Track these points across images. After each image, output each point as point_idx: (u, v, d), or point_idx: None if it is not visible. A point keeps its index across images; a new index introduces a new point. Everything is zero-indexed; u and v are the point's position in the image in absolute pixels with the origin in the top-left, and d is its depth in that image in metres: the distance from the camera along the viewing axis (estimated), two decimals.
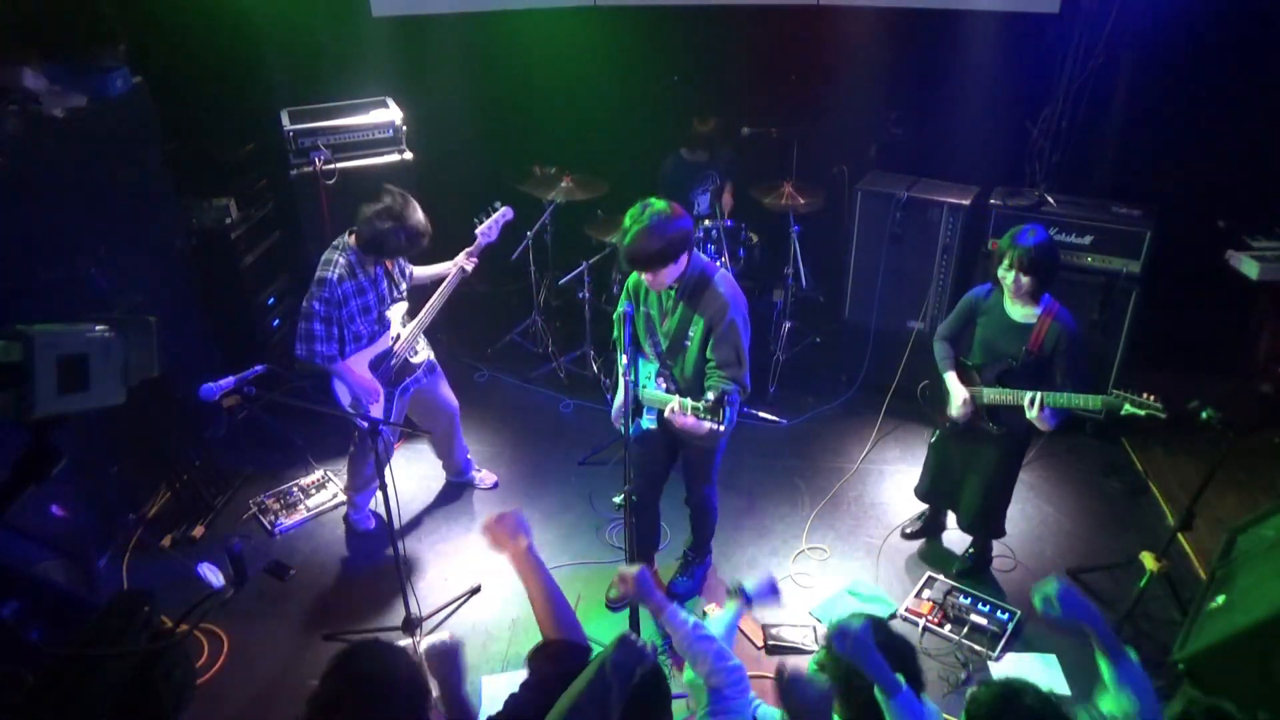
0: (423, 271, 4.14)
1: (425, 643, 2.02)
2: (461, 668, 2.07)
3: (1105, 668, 2.24)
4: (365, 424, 3.91)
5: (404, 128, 4.71)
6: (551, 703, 1.90)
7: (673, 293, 3.32)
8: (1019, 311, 3.50)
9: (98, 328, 1.38)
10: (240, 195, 5.06)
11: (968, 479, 3.85)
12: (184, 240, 4.77)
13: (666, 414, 3.18)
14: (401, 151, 4.72)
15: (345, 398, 3.91)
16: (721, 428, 3.06)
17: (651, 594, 2.33)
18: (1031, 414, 3.34)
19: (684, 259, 3.19)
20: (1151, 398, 3.22)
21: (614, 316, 3.55)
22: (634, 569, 2.35)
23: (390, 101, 4.91)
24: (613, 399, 3.74)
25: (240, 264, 5.03)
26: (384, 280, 3.90)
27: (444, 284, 4.00)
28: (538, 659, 2.07)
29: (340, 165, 4.56)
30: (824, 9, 5.62)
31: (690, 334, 3.30)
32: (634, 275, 3.51)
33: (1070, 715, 2.01)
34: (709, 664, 2.26)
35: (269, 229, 5.35)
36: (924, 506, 4.29)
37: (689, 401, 3.12)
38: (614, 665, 1.89)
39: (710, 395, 3.08)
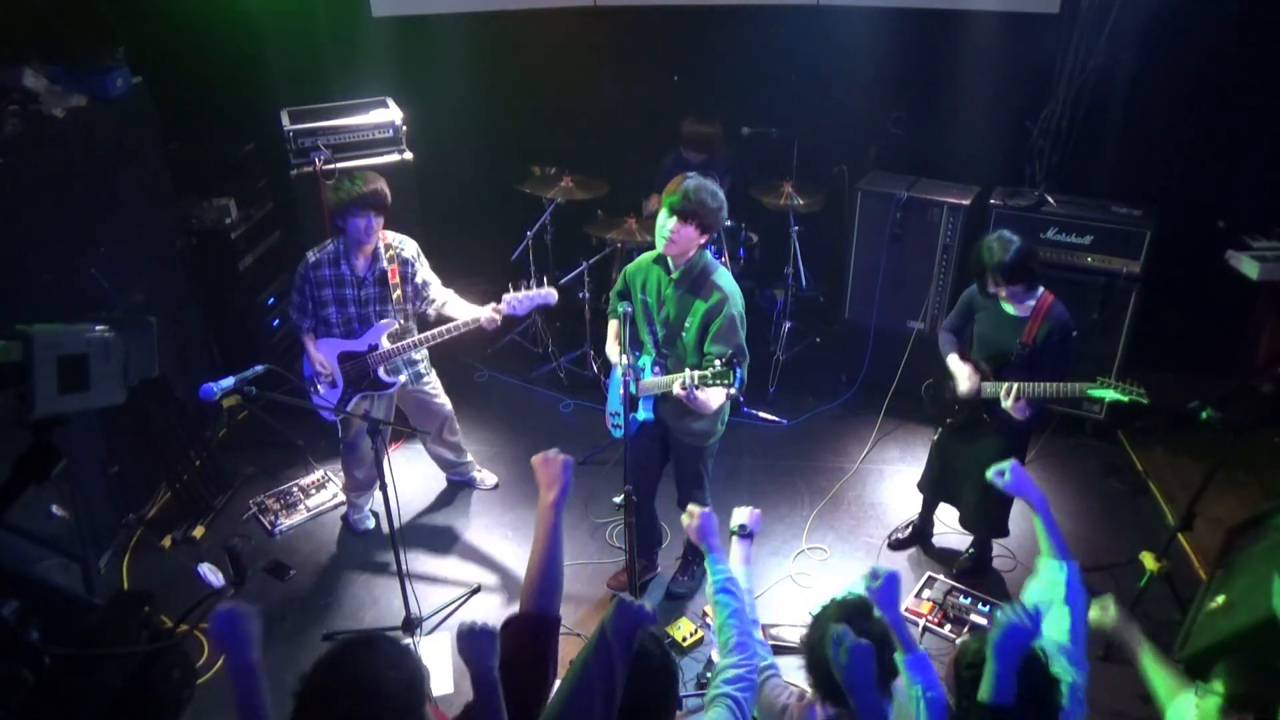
0: (455, 307, 3.97)
1: (460, 626, 2.00)
2: (496, 651, 2.05)
3: (1042, 559, 2.45)
4: (325, 418, 4.02)
5: (404, 128, 4.71)
6: (534, 675, 1.97)
7: (671, 280, 3.35)
8: (1015, 306, 3.54)
9: (98, 328, 1.38)
10: (240, 195, 5.06)
11: (969, 476, 3.86)
12: (184, 240, 4.78)
13: (676, 391, 3.20)
14: (401, 151, 4.72)
15: (309, 372, 4.01)
16: (732, 389, 3.12)
17: (709, 535, 2.52)
18: (1006, 403, 3.39)
19: (704, 238, 3.28)
20: (1134, 384, 3.25)
21: (618, 310, 3.55)
22: (703, 509, 2.56)
23: (390, 101, 4.91)
24: (608, 396, 3.75)
25: (240, 264, 5.04)
26: (375, 287, 3.88)
27: (449, 325, 3.85)
28: (506, 634, 2.06)
29: (340, 165, 4.55)
30: (824, 9, 5.62)
31: (687, 323, 3.34)
32: (635, 262, 3.56)
33: (1056, 676, 2.06)
34: (724, 617, 2.33)
35: (269, 229, 5.35)
36: (911, 516, 4.31)
37: (696, 373, 3.15)
38: (615, 631, 1.90)
39: (718, 361, 3.12)
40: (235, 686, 2.04)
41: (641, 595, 3.96)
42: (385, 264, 3.87)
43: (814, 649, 2.17)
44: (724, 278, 3.32)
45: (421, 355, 4.17)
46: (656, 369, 3.51)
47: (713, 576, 2.45)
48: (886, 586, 2.27)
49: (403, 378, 4.07)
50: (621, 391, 3.28)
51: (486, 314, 3.82)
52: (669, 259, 3.36)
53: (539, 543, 2.22)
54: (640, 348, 3.58)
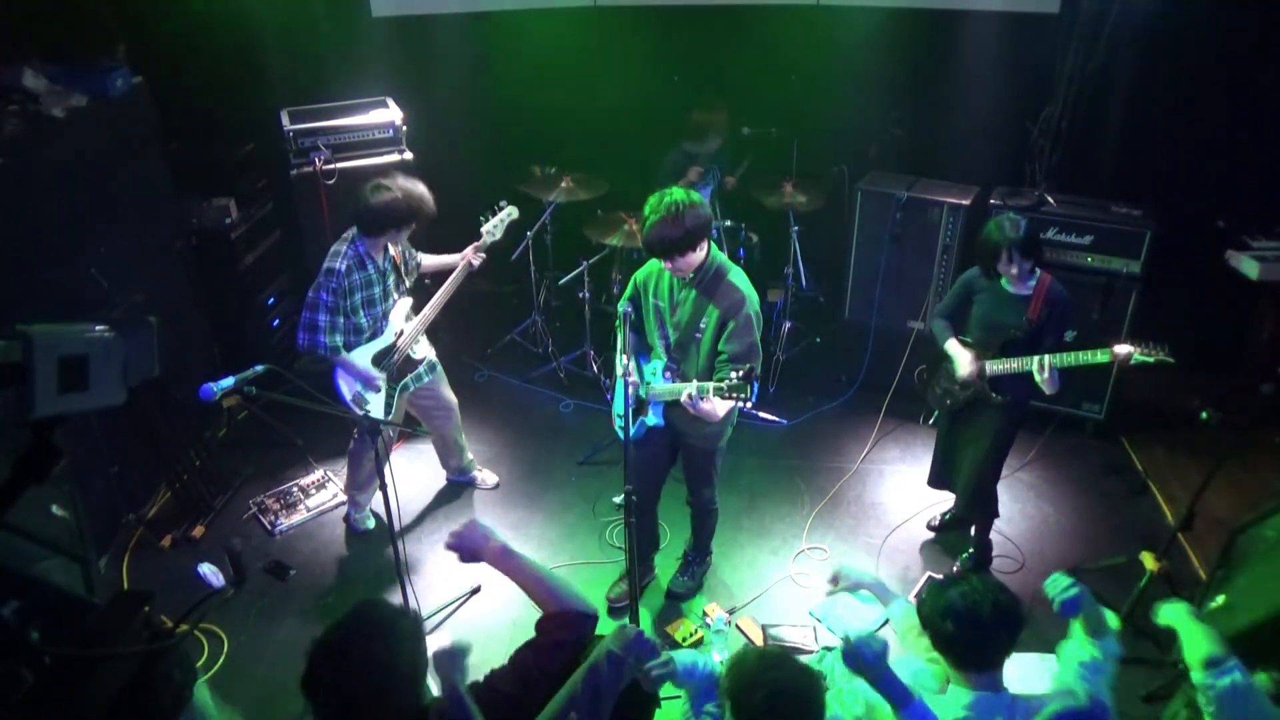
0: (431, 261, 4.14)
1: (434, 646, 2.03)
2: (465, 669, 2.06)
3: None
4: (366, 421, 3.96)
5: (404, 128, 4.71)
6: (563, 666, 1.99)
7: (685, 283, 3.31)
8: (1015, 285, 3.59)
9: (98, 328, 1.37)
10: (240, 195, 5.06)
11: (965, 455, 3.88)
12: (184, 240, 4.77)
13: (683, 400, 3.17)
14: (401, 151, 4.72)
15: (349, 391, 3.91)
16: (749, 404, 3.08)
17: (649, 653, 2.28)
18: (1041, 377, 3.40)
19: (704, 248, 3.21)
20: (1157, 345, 3.31)
21: (619, 311, 3.57)
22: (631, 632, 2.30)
23: (390, 101, 4.91)
24: (613, 398, 3.73)
25: (240, 264, 5.04)
26: (392, 274, 3.92)
27: (449, 280, 3.98)
28: (548, 626, 2.10)
29: (340, 165, 4.56)
30: (824, 9, 5.62)
31: (703, 325, 3.30)
32: (645, 267, 3.52)
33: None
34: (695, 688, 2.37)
35: (269, 229, 5.35)
36: (952, 500, 4.28)
37: (709, 384, 3.11)
38: (609, 658, 1.96)
39: (735, 374, 3.07)
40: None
41: (640, 600, 3.96)
42: (393, 250, 3.93)
43: (737, 698, 2.07)
44: (739, 277, 3.28)
45: (428, 348, 4.19)
46: (667, 374, 3.46)
47: (687, 684, 2.36)
48: (862, 655, 2.16)
49: (422, 351, 4.11)
50: (625, 392, 3.25)
51: (469, 255, 4.02)
52: None
53: (528, 581, 2.18)
54: (650, 352, 3.55)
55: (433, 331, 4.15)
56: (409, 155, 4.72)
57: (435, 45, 5.71)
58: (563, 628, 2.08)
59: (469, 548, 2.23)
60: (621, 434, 3.64)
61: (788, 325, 5.59)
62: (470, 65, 5.79)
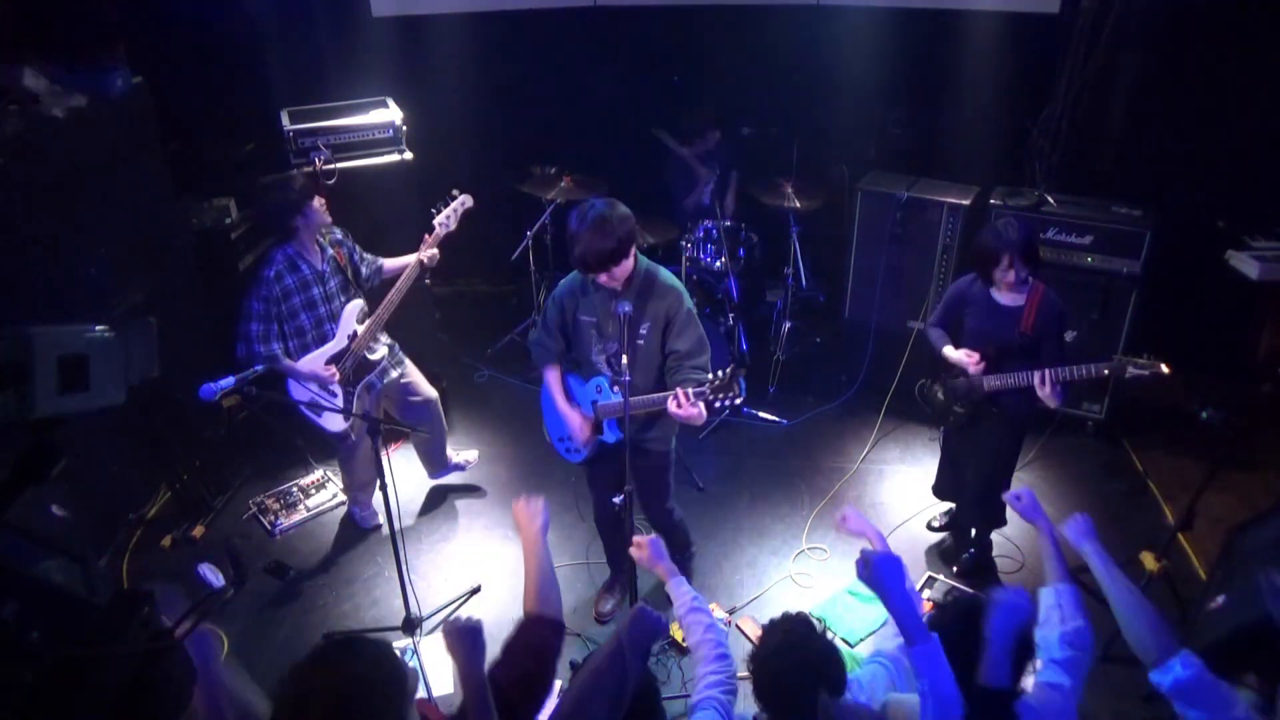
0: (393, 264, 4.14)
1: (445, 625, 2.06)
2: (483, 647, 2.02)
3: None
4: (335, 431, 3.98)
5: (404, 128, 4.71)
6: (519, 667, 2.05)
7: (618, 293, 3.19)
8: (1007, 297, 3.55)
9: (98, 328, 1.38)
10: (240, 195, 5.05)
11: (970, 465, 3.87)
12: (184, 240, 4.77)
13: (671, 408, 3.07)
14: (401, 151, 4.72)
15: (302, 397, 3.90)
16: (740, 400, 3.02)
17: (661, 559, 2.56)
18: (1044, 392, 3.38)
19: (633, 254, 3.14)
20: (1151, 357, 3.29)
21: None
22: (648, 537, 2.62)
23: (390, 101, 4.90)
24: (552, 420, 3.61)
25: (240, 264, 5.03)
26: (334, 276, 3.90)
27: (402, 277, 3.96)
28: (530, 625, 2.19)
29: (340, 165, 4.55)
30: (824, 9, 5.62)
31: (643, 331, 3.20)
32: (561, 286, 3.39)
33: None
34: (700, 634, 2.40)
35: (269, 229, 5.35)
36: (950, 503, 4.29)
37: (692, 390, 3.03)
38: (631, 640, 2.00)
39: (720, 372, 3.01)
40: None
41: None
42: (331, 250, 3.92)
43: (763, 665, 2.11)
44: (668, 276, 3.23)
45: (385, 348, 4.13)
46: (616, 390, 3.32)
47: (678, 599, 2.49)
48: (880, 571, 2.19)
49: (382, 349, 4.08)
50: (625, 394, 3.17)
51: (424, 253, 3.98)
52: None
53: (536, 569, 2.30)
54: (589, 371, 3.43)
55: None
56: (409, 155, 4.72)
57: (435, 45, 5.71)
58: (533, 632, 2.15)
59: (526, 515, 2.43)
60: (570, 456, 3.61)
61: (788, 325, 5.58)
62: (470, 65, 5.78)
